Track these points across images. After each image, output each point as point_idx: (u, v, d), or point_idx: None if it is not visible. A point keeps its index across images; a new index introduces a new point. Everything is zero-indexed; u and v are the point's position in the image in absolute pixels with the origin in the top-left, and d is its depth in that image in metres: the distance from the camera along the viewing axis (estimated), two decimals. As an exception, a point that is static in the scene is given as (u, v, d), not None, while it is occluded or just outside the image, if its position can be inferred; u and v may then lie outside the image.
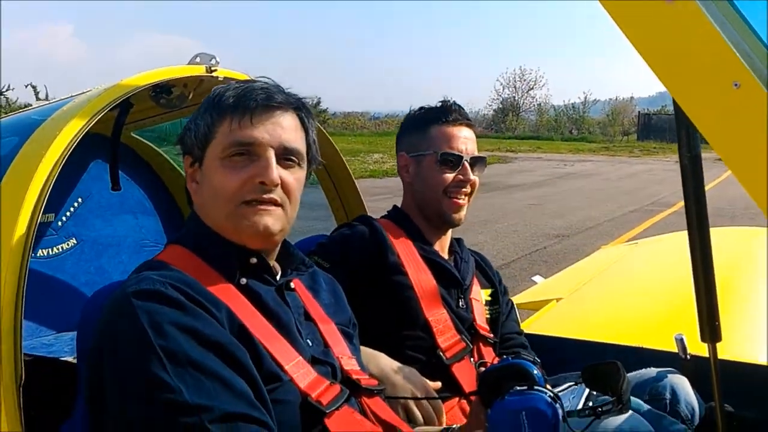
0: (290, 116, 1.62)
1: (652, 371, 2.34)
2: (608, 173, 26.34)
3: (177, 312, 1.37)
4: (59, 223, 2.65)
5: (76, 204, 2.69)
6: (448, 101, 2.40)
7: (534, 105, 63.22)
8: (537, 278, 6.68)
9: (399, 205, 2.48)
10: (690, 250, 1.53)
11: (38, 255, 2.58)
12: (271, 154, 1.55)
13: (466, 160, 2.31)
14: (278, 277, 1.67)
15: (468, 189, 2.33)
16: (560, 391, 1.87)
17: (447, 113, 2.36)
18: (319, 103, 43.84)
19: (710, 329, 1.57)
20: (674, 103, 1.23)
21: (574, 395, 1.83)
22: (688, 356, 2.40)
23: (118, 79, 2.01)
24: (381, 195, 15.40)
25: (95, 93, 1.92)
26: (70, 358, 2.23)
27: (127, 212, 2.89)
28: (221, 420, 1.28)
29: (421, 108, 2.45)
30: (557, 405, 1.55)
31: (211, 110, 1.58)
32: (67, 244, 2.68)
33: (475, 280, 2.44)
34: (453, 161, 2.31)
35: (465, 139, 2.34)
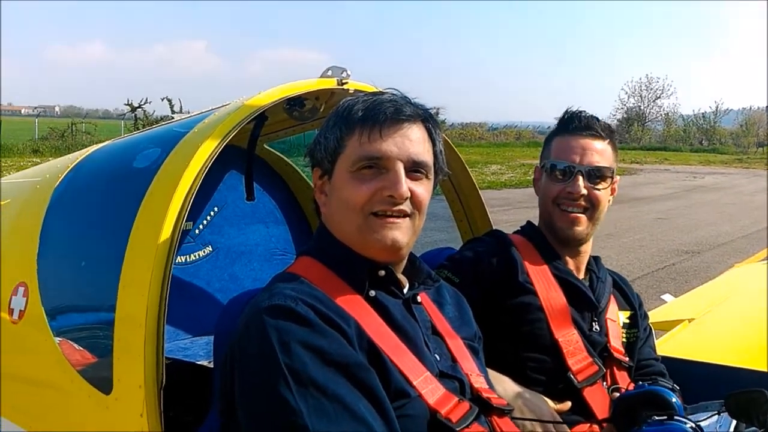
0: (418, 128, 1.61)
1: None
2: (741, 186, 25.02)
3: (305, 330, 1.39)
4: (196, 231, 2.76)
5: (212, 213, 2.80)
6: (573, 111, 2.29)
7: (661, 114, 61.05)
8: (667, 296, 6.42)
9: (533, 220, 2.40)
10: None
11: (177, 261, 2.70)
12: (400, 168, 1.55)
13: (580, 171, 2.18)
14: (405, 290, 1.67)
15: (582, 202, 2.19)
16: (701, 421, 1.77)
17: (566, 123, 2.26)
18: (438, 113, 43.95)
19: None
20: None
21: (720, 425, 1.73)
22: None
23: (250, 91, 2.08)
24: (499, 207, 15.27)
25: (233, 107, 1.98)
26: (205, 362, 2.31)
27: (259, 222, 2.97)
28: None
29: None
30: None
31: (341, 124, 1.59)
32: (204, 252, 2.79)
33: (612, 301, 2.32)
34: (562, 172, 2.20)
35: (582, 149, 2.20)
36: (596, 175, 2.20)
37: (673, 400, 1.57)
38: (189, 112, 2.60)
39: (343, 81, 2.15)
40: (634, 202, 18.61)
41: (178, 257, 2.70)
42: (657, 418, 1.51)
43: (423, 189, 1.60)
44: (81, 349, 1.96)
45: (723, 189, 23.93)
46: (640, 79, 65.67)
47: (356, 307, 1.53)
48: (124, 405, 1.69)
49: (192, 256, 2.75)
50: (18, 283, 2.07)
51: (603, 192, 2.22)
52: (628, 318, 2.35)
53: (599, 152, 2.21)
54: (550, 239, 2.27)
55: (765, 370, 2.57)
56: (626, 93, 63.65)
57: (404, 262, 1.68)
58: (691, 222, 15.31)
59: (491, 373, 1.92)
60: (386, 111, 1.57)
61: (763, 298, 4.51)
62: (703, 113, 59.48)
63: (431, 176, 1.64)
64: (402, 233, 1.57)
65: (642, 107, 61.47)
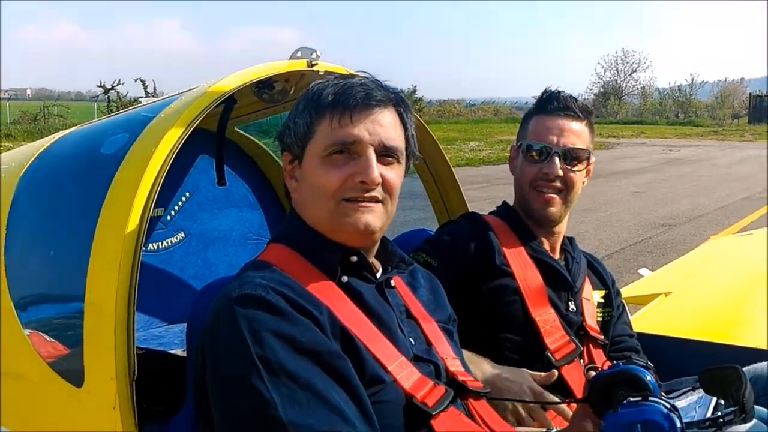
0: (389, 113, 1.59)
1: (765, 365, 2.19)
2: (717, 159, 25.24)
3: (276, 319, 1.38)
4: (168, 217, 2.72)
5: (184, 198, 2.76)
6: (551, 91, 2.27)
7: (637, 88, 61.42)
8: (643, 271, 6.48)
9: (508, 201, 2.39)
10: None
11: (149, 248, 2.67)
12: (371, 153, 1.53)
13: (556, 152, 2.17)
14: (378, 275, 1.65)
15: (558, 184, 2.19)
16: (680, 399, 1.77)
17: (545, 103, 2.24)
18: (415, 91, 43.82)
19: None
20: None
21: (700, 405, 1.73)
22: None
23: (225, 70, 2.04)
24: (478, 183, 15.27)
25: (200, 90, 1.95)
26: (179, 351, 2.29)
27: (233, 206, 2.94)
28: None
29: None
30: (675, 416, 1.47)
31: (311, 108, 1.57)
32: (176, 238, 2.76)
33: (587, 281, 2.34)
34: (538, 153, 2.19)
35: (559, 130, 2.19)
36: (573, 156, 2.19)
37: (648, 378, 1.57)
38: (162, 93, 2.55)
39: (313, 62, 2.11)
40: (611, 176, 18.71)
41: (151, 244, 2.67)
42: (633, 399, 1.50)
43: (394, 174, 1.59)
44: (52, 340, 1.93)
45: (699, 161, 24.12)
46: (616, 52, 66.05)
47: (328, 294, 1.52)
48: (95, 398, 1.66)
49: (164, 242, 2.72)
50: (-15, 276, 2.03)
51: (578, 174, 2.21)
52: (603, 297, 2.37)
53: (576, 133, 2.20)
54: (526, 219, 2.27)
55: (739, 344, 2.60)
56: (602, 67, 63.97)
57: (376, 246, 1.67)
58: (667, 195, 15.42)
59: (469, 355, 1.93)
60: (357, 95, 1.54)
61: (738, 269, 4.57)
62: (678, 86, 59.92)
63: (403, 160, 1.62)
64: (375, 217, 1.56)
65: (618, 81, 61.78)
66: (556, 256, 2.31)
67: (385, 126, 1.56)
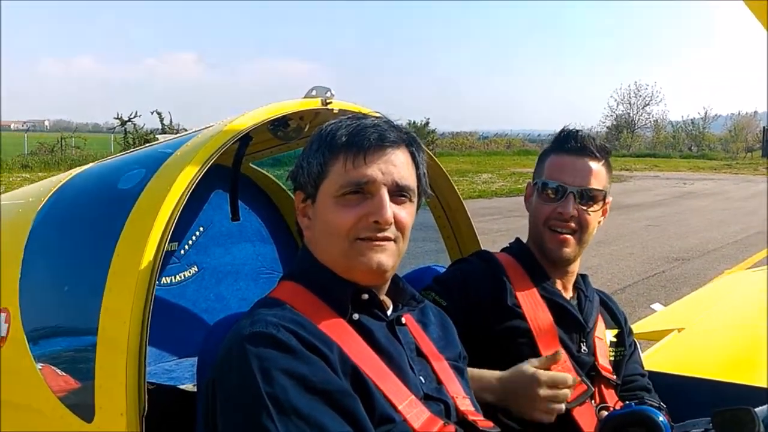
0: (401, 153, 1.61)
1: None
2: (731, 192, 25.14)
3: (287, 357, 1.39)
4: (182, 252, 2.74)
5: (197, 233, 2.78)
6: (570, 129, 2.26)
7: (650, 121, 61.40)
8: (656, 306, 6.42)
9: (520, 232, 2.39)
10: None
11: (162, 282, 2.68)
12: (385, 193, 1.55)
13: (572, 192, 2.15)
14: (389, 312, 1.66)
15: (572, 224, 2.17)
16: None
17: (561, 142, 2.23)
18: (427, 123, 44.00)
19: None
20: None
21: None
22: None
23: (241, 102, 2.09)
24: (490, 215, 15.27)
25: (217, 128, 1.98)
26: (190, 386, 2.29)
27: (246, 240, 2.96)
28: None
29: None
30: None
31: (324, 149, 1.59)
32: (189, 272, 2.78)
33: (600, 319, 2.31)
34: (554, 192, 2.18)
35: (576, 170, 2.17)
36: (588, 196, 2.18)
37: (660, 419, 1.57)
38: (179, 125, 2.58)
39: (328, 101, 2.15)
40: (625, 209, 18.65)
41: (164, 278, 2.68)
42: None
43: (406, 213, 1.60)
44: (63, 374, 1.93)
45: (713, 195, 24.04)
46: (629, 86, 66.22)
47: (339, 332, 1.52)
48: (106, 432, 1.67)
49: (177, 276, 2.74)
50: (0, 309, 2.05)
51: (594, 214, 2.20)
52: (615, 336, 2.34)
53: (593, 173, 2.18)
54: (539, 258, 2.26)
55: (752, 384, 2.57)
56: (615, 100, 64.14)
57: (387, 284, 1.67)
58: (681, 229, 15.36)
59: (472, 372, 1.93)
60: (370, 137, 1.56)
61: (752, 305, 4.52)
62: (692, 119, 59.89)
63: (414, 199, 1.64)
64: (387, 256, 1.57)
65: (631, 114, 61.87)
66: (569, 295, 2.29)
67: (398, 166, 1.58)
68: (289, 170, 1.73)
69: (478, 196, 20.23)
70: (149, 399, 1.68)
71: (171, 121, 28.06)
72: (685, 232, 14.79)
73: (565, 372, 2.04)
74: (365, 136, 1.56)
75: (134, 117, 28.89)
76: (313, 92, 2.15)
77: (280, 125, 2.21)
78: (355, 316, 1.58)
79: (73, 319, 2.00)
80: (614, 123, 61.01)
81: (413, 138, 1.66)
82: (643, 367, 2.44)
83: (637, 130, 60.59)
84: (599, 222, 2.26)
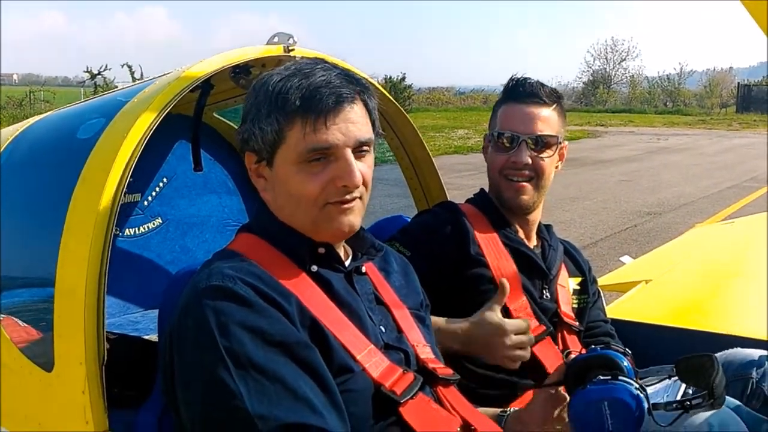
0: (357, 106, 1.55)
1: (742, 351, 2.22)
2: (705, 147, 25.31)
3: (244, 310, 1.38)
4: (145, 203, 2.71)
5: (161, 184, 2.74)
6: (518, 78, 2.26)
7: (626, 77, 61.50)
8: (625, 258, 6.48)
9: (485, 187, 2.40)
10: None
11: (125, 234, 2.65)
12: (349, 154, 1.51)
13: (525, 140, 2.17)
14: (348, 261, 1.66)
15: (527, 171, 2.19)
16: (652, 385, 1.79)
17: (511, 91, 2.24)
18: (404, 78, 43.68)
19: None
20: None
21: (668, 392, 1.76)
22: None
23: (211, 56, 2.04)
24: (466, 171, 15.27)
25: (175, 75, 1.94)
26: (154, 336, 2.29)
27: (211, 192, 2.93)
28: (278, 431, 1.29)
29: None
30: (642, 396, 1.49)
31: (276, 113, 1.50)
32: (153, 224, 2.75)
33: (563, 268, 2.35)
34: (506, 141, 2.19)
35: (527, 118, 2.18)
36: (541, 143, 2.19)
37: (624, 363, 1.59)
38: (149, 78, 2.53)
39: (290, 48, 2.11)
40: (599, 164, 18.76)
41: (127, 230, 2.66)
42: (602, 378, 1.52)
43: (368, 165, 1.58)
44: (25, 325, 1.92)
45: (686, 150, 24.19)
46: (606, 41, 66.06)
47: (298, 284, 1.52)
48: (65, 382, 1.66)
49: (141, 228, 2.70)
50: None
51: (548, 160, 2.21)
52: (579, 284, 2.39)
53: (544, 120, 2.20)
54: (500, 207, 2.27)
55: (714, 331, 2.62)
56: (592, 55, 64.00)
57: None
58: (654, 183, 15.48)
59: (436, 321, 1.97)
60: (327, 99, 1.49)
61: (718, 257, 4.60)
62: (667, 75, 60.04)
63: (372, 147, 1.61)
64: (355, 216, 1.57)
65: (607, 70, 61.82)
66: (532, 243, 2.31)
67: (356, 123, 1.53)
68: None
69: (454, 152, 20.18)
70: (111, 349, 1.67)
71: (142, 75, 27.56)
72: (657, 187, 14.90)
73: (526, 317, 2.08)
74: (321, 99, 1.49)
75: (104, 70, 28.33)
76: (275, 39, 2.11)
77: (241, 73, 2.17)
78: (314, 267, 1.57)
79: (33, 269, 1.98)
80: (591, 78, 60.96)
81: (364, 86, 1.60)
82: (605, 315, 2.49)
83: (613, 86, 60.60)
84: (556, 167, 2.28)
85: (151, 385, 1.79)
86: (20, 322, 1.93)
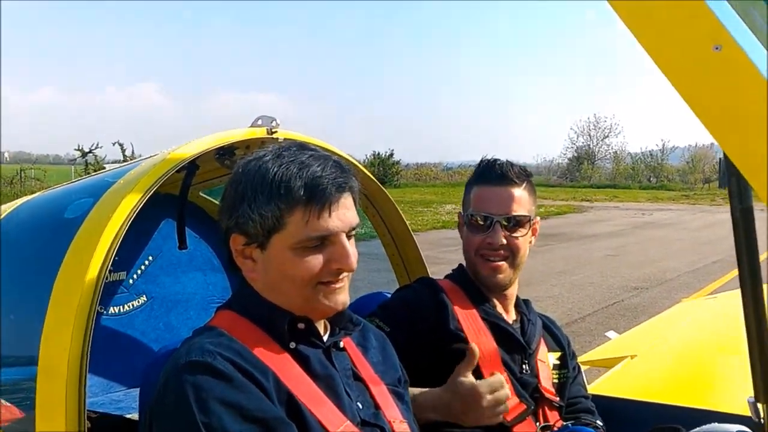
0: (348, 194, 1.62)
1: (719, 426, 2.22)
2: (689, 222, 25.60)
3: (223, 385, 1.41)
4: (130, 281, 2.73)
5: (146, 262, 2.78)
6: (488, 160, 2.33)
7: (610, 153, 62.50)
8: (611, 333, 6.49)
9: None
10: (743, 307, 1.47)
11: (110, 312, 2.67)
12: (345, 240, 1.58)
13: (498, 221, 2.22)
14: (327, 337, 1.69)
15: (503, 252, 2.23)
16: None
17: (484, 173, 2.29)
18: (392, 155, 44.25)
19: (765, 389, 1.50)
20: (724, 154, 1.21)
21: None
22: (762, 420, 2.27)
23: (201, 133, 2.11)
24: (453, 246, 15.32)
25: (161, 157, 2.00)
26: (136, 415, 2.28)
27: (196, 269, 2.96)
28: None
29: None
30: None
31: (277, 200, 1.54)
32: (138, 302, 2.76)
33: (542, 342, 2.37)
34: (481, 223, 2.24)
35: (500, 199, 2.24)
36: (515, 222, 2.24)
37: (597, 440, 1.61)
38: (141, 157, 2.59)
39: (273, 130, 2.18)
40: (585, 239, 18.91)
41: (112, 308, 2.67)
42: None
43: (354, 246, 1.63)
44: (8, 404, 1.92)
45: (671, 225, 24.46)
46: (588, 118, 67.38)
47: (276, 359, 1.54)
48: (46, 461, 1.66)
49: (126, 306, 2.72)
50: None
51: (522, 239, 2.26)
52: (558, 359, 2.40)
53: (516, 200, 2.25)
54: (477, 284, 2.31)
55: (694, 406, 2.63)
56: (575, 132, 65.16)
57: None
58: (639, 258, 15.60)
59: (413, 392, 1.98)
60: (329, 188, 1.55)
61: (704, 332, 4.61)
62: (650, 151, 61.09)
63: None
64: (346, 294, 1.63)
65: (591, 146, 62.93)
66: (510, 318, 2.34)
67: (350, 209, 1.61)
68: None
69: (442, 227, 20.34)
70: (93, 427, 1.67)
71: (133, 153, 27.83)
72: (643, 262, 15.02)
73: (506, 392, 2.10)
74: (324, 189, 1.54)
75: (95, 148, 28.64)
76: (259, 121, 2.19)
77: (226, 154, 2.23)
78: (292, 344, 1.60)
79: (18, 348, 1.99)
80: (575, 155, 61.99)
81: (352, 174, 1.65)
82: (586, 390, 2.50)
83: (597, 162, 61.62)
84: (530, 242, 2.32)
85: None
86: (4, 402, 1.93)
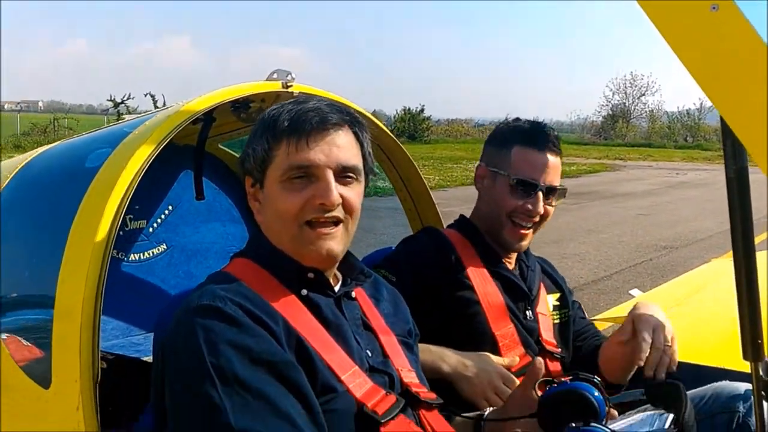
0: (344, 133, 1.65)
1: (729, 385, 2.24)
2: (723, 183, 24.89)
3: (233, 329, 1.45)
4: (150, 230, 2.80)
5: (166, 212, 2.83)
6: (536, 122, 2.33)
7: (646, 111, 61.30)
8: (635, 291, 6.48)
9: (467, 214, 2.46)
10: (735, 267, 1.48)
11: (130, 259, 2.74)
12: (330, 175, 1.59)
13: (541, 189, 2.22)
14: (338, 287, 1.72)
15: (536, 218, 2.25)
16: (633, 413, 1.82)
17: (534, 137, 2.27)
18: (422, 110, 43.87)
19: (753, 348, 1.52)
20: (721, 118, 1.21)
21: (654, 424, 1.78)
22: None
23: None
24: (481, 203, 15.26)
25: (175, 109, 2.03)
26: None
27: (216, 220, 3.01)
28: None
29: (510, 123, 2.38)
30: None
31: (267, 134, 1.63)
32: (158, 249, 2.83)
33: (542, 288, 2.40)
34: (526, 188, 2.23)
35: (546, 167, 2.24)
36: (552, 192, 2.26)
37: (595, 394, 1.63)
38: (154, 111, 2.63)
39: (288, 84, 2.20)
40: (617, 198, 18.71)
41: (132, 255, 2.74)
42: (574, 425, 1.56)
43: (354, 193, 1.64)
44: (29, 344, 2.00)
45: (705, 185, 24.05)
46: (625, 76, 66.09)
47: (287, 305, 1.58)
48: (61, 399, 1.73)
49: (146, 253, 2.79)
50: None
51: (553, 208, 2.29)
52: (558, 300, 2.45)
53: (556, 170, 2.27)
54: (488, 238, 2.33)
55: (705, 363, 2.63)
56: (611, 90, 64.03)
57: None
58: (671, 218, 15.40)
59: (433, 348, 2.04)
60: (312, 120, 1.60)
61: (729, 292, 4.56)
62: (687, 110, 59.81)
63: (362, 179, 1.68)
64: (336, 242, 1.63)
65: (627, 104, 61.78)
66: (511, 266, 2.37)
67: (341, 147, 1.62)
68: None
69: (471, 183, 20.13)
70: (109, 368, 1.74)
71: (164, 104, 27.99)
72: (675, 221, 14.83)
73: (513, 345, 2.14)
74: (306, 120, 1.59)
75: (127, 99, 28.88)
76: (275, 75, 2.20)
77: (241, 107, 2.26)
78: (304, 291, 1.64)
79: (38, 290, 2.06)
80: (610, 113, 60.93)
81: (355, 118, 1.70)
82: (587, 318, 2.58)
83: (632, 120, 60.55)
84: None
85: (144, 403, 1.85)
86: (24, 341, 2.01)
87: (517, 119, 2.40)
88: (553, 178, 2.25)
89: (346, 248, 1.68)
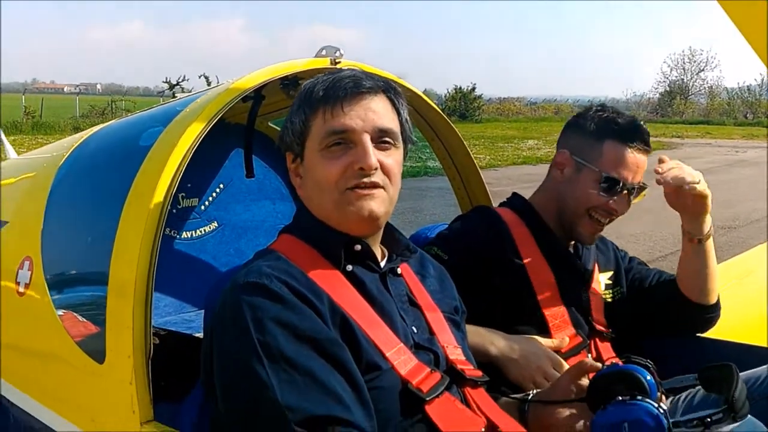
0: (380, 99, 1.63)
1: None
2: (785, 161, 24.39)
3: (278, 306, 1.45)
4: (202, 208, 2.84)
5: (218, 190, 2.87)
6: (635, 119, 2.24)
7: (704, 88, 59.71)
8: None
9: (522, 194, 2.41)
10: None
11: (183, 237, 2.78)
12: (367, 139, 1.58)
13: (629, 190, 2.17)
14: (384, 263, 1.71)
15: (616, 216, 2.21)
16: (685, 397, 1.77)
17: (630, 134, 2.18)
18: (474, 89, 43.52)
19: None
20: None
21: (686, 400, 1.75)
22: None
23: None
24: (535, 182, 15.08)
25: (225, 87, 2.04)
26: (203, 334, 2.40)
27: (266, 198, 3.04)
28: (305, 423, 1.34)
29: (604, 111, 2.27)
30: (662, 416, 1.49)
31: (304, 106, 1.62)
32: (209, 227, 2.87)
33: (596, 268, 2.35)
34: (614, 187, 2.16)
35: (637, 167, 2.17)
36: (637, 192, 2.21)
37: (647, 377, 1.59)
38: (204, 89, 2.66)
39: (336, 60, 2.18)
40: (673, 177, 18.28)
41: (185, 233, 2.78)
42: (621, 398, 1.53)
43: (392, 159, 1.62)
44: (84, 320, 2.05)
45: (765, 164, 23.38)
46: (683, 51, 64.42)
47: (332, 282, 1.57)
48: (114, 373, 1.77)
49: (198, 231, 2.83)
50: (24, 257, 2.18)
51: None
52: (610, 279, 2.40)
53: (644, 169, 2.20)
54: (551, 223, 2.28)
55: (756, 344, 2.56)
56: (669, 66, 62.52)
57: (380, 234, 1.71)
58: (729, 197, 14.96)
59: (482, 331, 2.02)
60: (346, 86, 1.59)
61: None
62: (748, 86, 58.10)
63: (399, 145, 1.66)
64: (377, 204, 1.60)
65: (685, 80, 60.30)
66: (568, 246, 2.32)
67: (377, 112, 1.60)
68: None
69: (523, 162, 20.01)
70: (161, 344, 1.77)
71: (218, 84, 28.30)
72: (733, 200, 14.41)
73: (563, 325, 2.11)
74: (341, 87, 1.59)
75: (182, 81, 29.33)
76: (323, 52, 2.19)
77: (291, 85, 2.26)
78: (349, 267, 1.62)
79: (93, 268, 2.11)
80: (667, 89, 59.55)
81: (391, 85, 1.67)
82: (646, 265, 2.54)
83: (690, 97, 59.09)
84: None
85: (196, 378, 1.88)
86: (80, 317, 2.06)
87: (603, 106, 2.30)
88: (640, 178, 2.19)
89: (388, 214, 1.66)
